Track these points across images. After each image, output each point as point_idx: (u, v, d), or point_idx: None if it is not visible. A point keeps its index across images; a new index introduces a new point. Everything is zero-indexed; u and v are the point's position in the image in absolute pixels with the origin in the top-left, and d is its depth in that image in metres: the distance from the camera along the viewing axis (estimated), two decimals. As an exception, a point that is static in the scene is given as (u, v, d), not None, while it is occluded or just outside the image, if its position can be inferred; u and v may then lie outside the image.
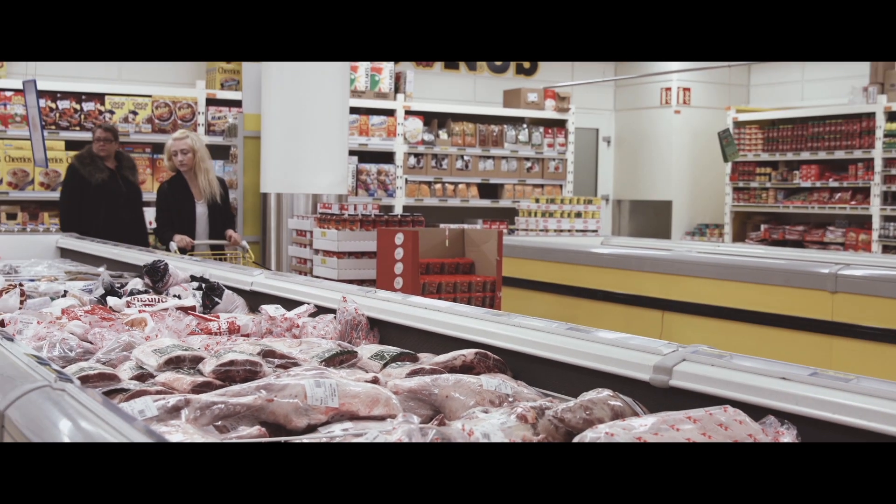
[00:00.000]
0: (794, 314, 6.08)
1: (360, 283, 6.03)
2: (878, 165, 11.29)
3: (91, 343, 3.06)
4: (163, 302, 3.78)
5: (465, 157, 11.88)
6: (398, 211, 11.05)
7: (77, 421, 1.72)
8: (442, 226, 6.88)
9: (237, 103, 9.92)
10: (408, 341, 3.25)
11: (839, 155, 11.79)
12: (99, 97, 9.83)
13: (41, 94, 8.29)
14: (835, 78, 13.02)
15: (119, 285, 4.23)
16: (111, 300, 3.82)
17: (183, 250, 7.29)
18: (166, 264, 4.30)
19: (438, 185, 11.75)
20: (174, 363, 2.65)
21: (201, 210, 7.73)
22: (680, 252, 7.49)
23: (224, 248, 7.78)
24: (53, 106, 9.67)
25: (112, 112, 9.78)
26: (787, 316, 6.11)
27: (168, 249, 7.24)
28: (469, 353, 2.81)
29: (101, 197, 8.19)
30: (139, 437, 1.60)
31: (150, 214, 8.70)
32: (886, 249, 11.21)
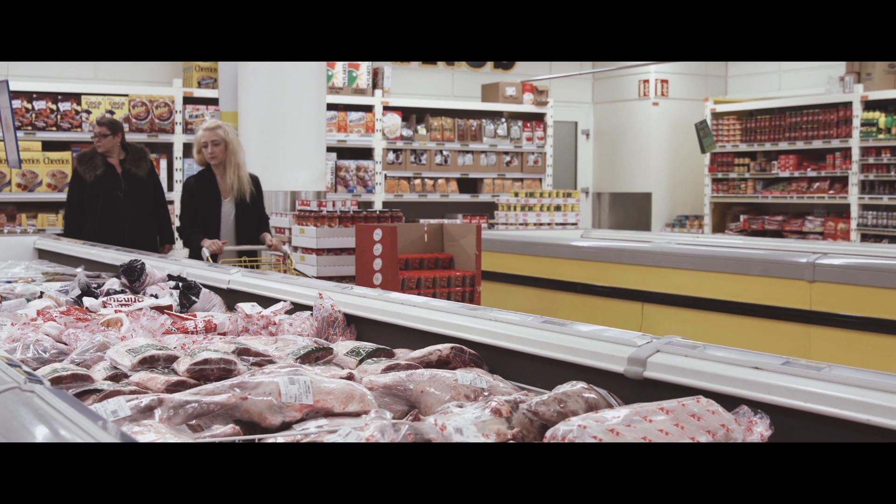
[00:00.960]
0: (772, 304, 6.10)
1: (340, 279, 6.03)
2: (856, 154, 11.34)
3: (65, 344, 3.05)
4: (139, 301, 3.77)
5: (444, 152, 11.88)
6: (378, 207, 11.04)
7: (45, 422, 1.71)
8: (421, 221, 6.88)
9: (214, 101, 9.89)
10: (385, 337, 3.24)
11: (817, 144, 11.83)
12: (75, 97, 9.79)
13: (16, 94, 8.25)
14: (812, 68, 13.06)
15: (96, 286, 4.22)
16: (87, 301, 3.81)
17: (215, 256, 6.58)
18: (143, 264, 4.29)
19: (418, 181, 11.75)
20: (148, 363, 2.64)
21: (228, 209, 7.02)
22: (659, 244, 7.51)
23: (258, 252, 7.02)
24: (29, 106, 9.63)
25: (89, 112, 9.74)
26: (766, 306, 6.13)
27: (200, 256, 6.53)
28: (445, 347, 2.81)
29: (97, 195, 7.89)
30: (106, 438, 1.59)
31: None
32: (865, 238, 11.26)
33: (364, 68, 11.06)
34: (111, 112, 9.77)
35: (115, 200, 7.89)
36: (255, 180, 7.10)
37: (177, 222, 8.13)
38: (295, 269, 6.46)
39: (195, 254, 6.68)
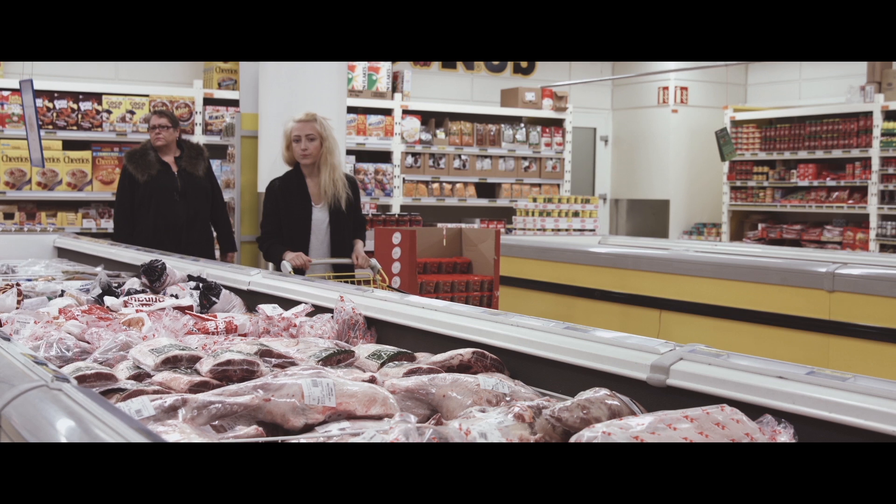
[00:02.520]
0: (791, 313, 6.08)
1: (359, 282, 6.04)
2: (876, 164, 11.30)
3: (88, 343, 3.06)
4: (160, 301, 3.78)
5: (463, 157, 11.88)
6: (396, 210, 11.05)
7: (74, 420, 1.72)
8: (439, 225, 6.90)
9: (234, 103, 9.91)
10: (405, 341, 3.25)
11: (836, 154, 11.79)
12: (96, 97, 9.82)
13: (38, 93, 8.26)
14: (832, 77, 13.02)
15: (116, 285, 4.23)
16: (108, 300, 3.82)
17: (299, 271, 5.81)
18: (163, 264, 4.30)
19: (436, 185, 11.75)
20: (171, 363, 2.64)
21: (320, 216, 6.09)
22: (677, 251, 7.49)
23: (351, 267, 6.13)
24: (51, 105, 9.66)
25: (109, 112, 9.77)
26: (785, 315, 6.12)
27: (279, 269, 5.80)
28: (466, 352, 2.81)
29: (150, 195, 7.30)
30: (136, 437, 1.60)
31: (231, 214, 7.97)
32: (884, 248, 11.22)
33: (384, 71, 11.07)
34: (132, 112, 9.79)
35: (171, 203, 7.33)
36: (351, 182, 6.19)
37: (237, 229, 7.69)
38: (390, 289, 5.70)
39: (277, 268, 5.91)
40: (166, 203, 7.31)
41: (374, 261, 5.93)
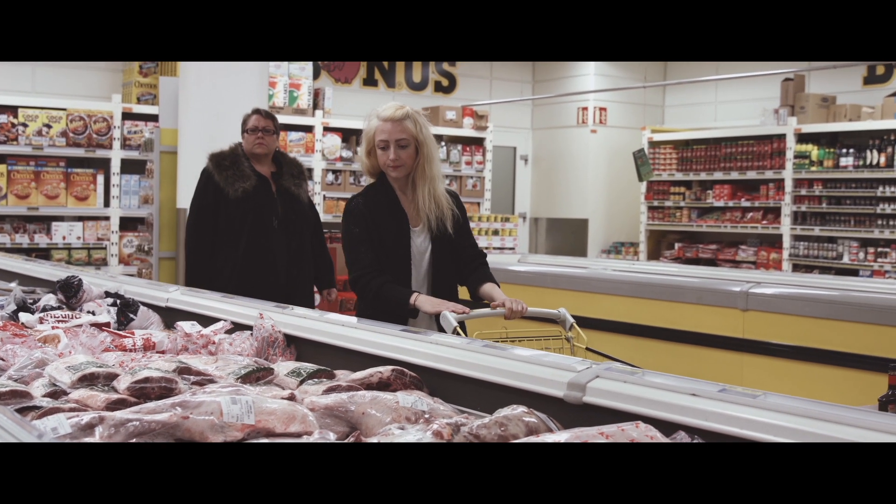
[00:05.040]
0: (706, 331, 6.18)
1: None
2: (789, 186, 11.52)
3: (2, 360, 3.02)
4: (76, 318, 3.73)
5: (384, 174, 11.87)
6: (316, 227, 11.01)
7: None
8: (360, 242, 6.87)
9: (154, 118, 9.82)
10: (325, 358, 3.25)
11: (751, 175, 12.00)
12: (12, 109, 9.67)
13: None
14: (747, 100, 13.26)
15: (32, 301, 4.17)
16: (23, 316, 3.77)
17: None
18: (80, 280, 4.25)
19: (357, 202, 11.75)
20: (88, 380, 2.62)
21: (421, 245, 4.42)
22: (595, 270, 7.57)
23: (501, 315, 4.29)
24: (-36, 118, 9.50)
25: (25, 125, 9.63)
26: (700, 333, 6.21)
27: (403, 320, 4.10)
28: (386, 369, 2.83)
29: (243, 217, 5.88)
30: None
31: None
32: (796, 268, 11.43)
33: (305, 88, 11.05)
34: (48, 126, 9.66)
35: (267, 230, 5.91)
36: (456, 200, 4.56)
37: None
38: (587, 350, 4.36)
39: (394, 316, 3.98)
40: (262, 230, 5.90)
41: (563, 310, 4.39)
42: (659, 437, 2.06)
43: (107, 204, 9.98)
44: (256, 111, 6.10)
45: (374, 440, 2.15)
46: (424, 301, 4.12)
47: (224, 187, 5.86)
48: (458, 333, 3.86)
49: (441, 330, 3.94)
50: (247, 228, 5.82)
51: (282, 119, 10.70)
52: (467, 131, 12.52)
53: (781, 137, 11.63)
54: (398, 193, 4.42)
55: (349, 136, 11.64)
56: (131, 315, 3.96)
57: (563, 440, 1.96)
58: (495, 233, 9.96)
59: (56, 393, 2.58)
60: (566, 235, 14.39)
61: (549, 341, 4.32)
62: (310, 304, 5.62)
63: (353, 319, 3.44)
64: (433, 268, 4.42)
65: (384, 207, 4.38)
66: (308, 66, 11.07)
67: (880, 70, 12.01)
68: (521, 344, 4.02)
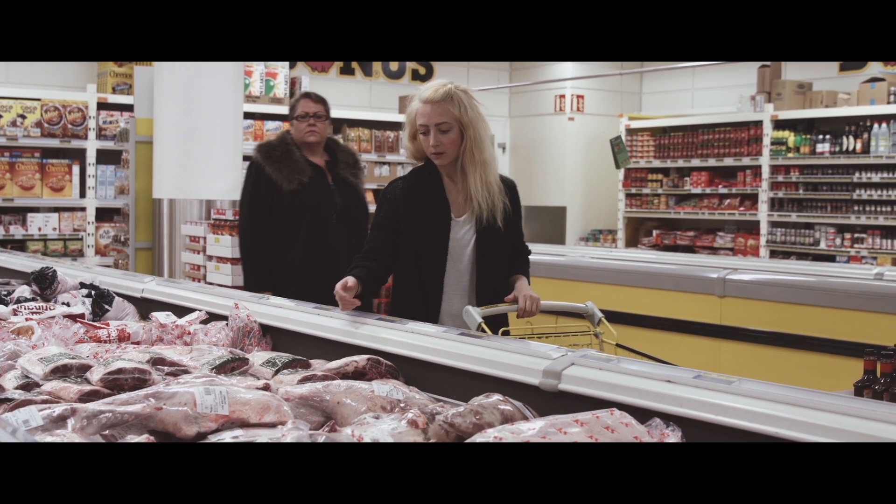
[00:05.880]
0: (684, 318, 6.20)
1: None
2: (766, 172, 11.55)
3: (-26, 352, 2.99)
4: (50, 310, 3.71)
5: (361, 164, 11.84)
6: (294, 217, 10.97)
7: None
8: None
9: (129, 107, 9.75)
10: (301, 348, 3.24)
11: (728, 162, 12.02)
12: (-15, 100, 9.61)
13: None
14: (724, 87, 13.28)
15: (6, 293, 4.15)
16: (-3, 308, 3.75)
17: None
18: (54, 271, 4.23)
19: (334, 191, 11.72)
20: (61, 372, 2.60)
21: (463, 236, 3.97)
22: (574, 258, 7.58)
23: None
24: (-62, 109, 9.42)
25: (0, 115, 9.55)
26: (678, 320, 6.23)
27: (412, 314, 3.61)
28: (361, 358, 2.82)
29: (300, 211, 5.33)
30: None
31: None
32: (773, 254, 11.46)
33: (282, 77, 11.00)
34: (22, 116, 9.59)
35: (326, 225, 5.35)
36: (510, 189, 4.10)
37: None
38: (620, 348, 4.12)
39: (405, 310, 3.74)
40: (320, 225, 5.34)
41: (591, 304, 4.11)
42: (634, 424, 2.06)
43: (83, 195, 9.91)
44: (306, 95, 5.54)
45: (348, 430, 2.14)
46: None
47: (277, 180, 5.33)
48: (482, 330, 3.65)
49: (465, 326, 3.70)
50: (304, 224, 5.28)
51: (258, 108, 10.71)
52: (445, 119, 12.47)
53: (758, 124, 11.65)
54: (445, 180, 4.01)
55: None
56: (106, 306, 3.94)
57: (537, 428, 1.96)
58: (473, 221, 9.95)
59: (28, 385, 2.57)
60: (544, 223, 14.39)
61: (576, 337, 4.03)
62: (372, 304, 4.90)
63: (329, 309, 3.43)
64: (477, 262, 3.96)
65: (424, 194, 3.98)
66: (284, 55, 11.01)
67: (856, 56, 12.03)
68: (546, 340, 3.79)
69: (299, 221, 5.31)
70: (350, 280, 3.43)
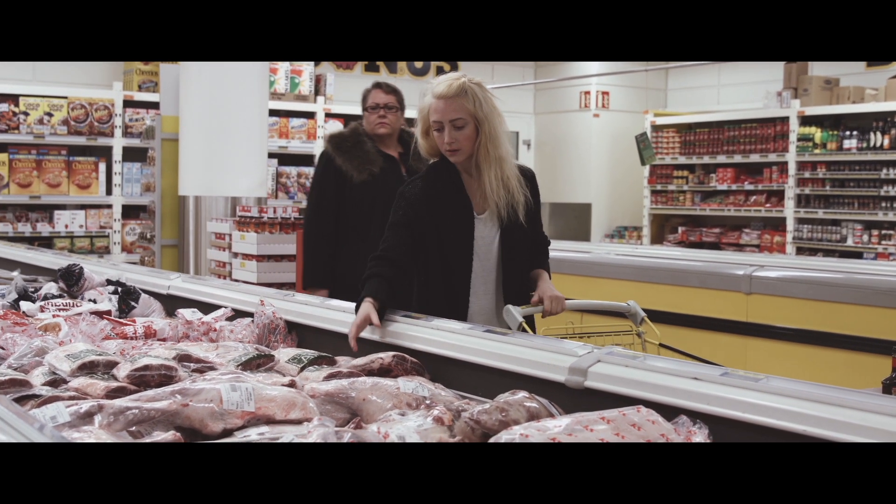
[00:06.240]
0: (710, 315, 6.17)
1: (280, 286, 6.00)
2: (792, 168, 11.49)
3: (3, 349, 3.01)
4: (77, 306, 3.73)
5: (386, 160, 11.86)
6: (319, 214, 10.98)
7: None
8: (362, 229, 6.85)
9: (155, 105, 9.80)
10: (326, 344, 3.24)
11: (754, 158, 11.96)
12: (13, 98, 9.65)
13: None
14: (750, 83, 13.22)
15: (33, 290, 4.17)
16: (24, 305, 3.77)
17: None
18: (81, 268, 4.25)
19: (359, 188, 11.73)
20: (88, 368, 2.61)
21: (487, 234, 3.82)
22: (599, 254, 7.56)
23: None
24: (-35, 107, 9.48)
25: (27, 113, 9.60)
26: (704, 317, 6.20)
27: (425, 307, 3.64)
28: (387, 355, 2.82)
29: (371, 204, 5.11)
30: (41, 439, 1.58)
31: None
32: (800, 251, 11.41)
33: (307, 74, 11.02)
34: (49, 114, 9.64)
35: None
36: (529, 179, 3.97)
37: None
38: (661, 346, 3.98)
39: (431, 311, 3.47)
40: None
41: (633, 303, 4.03)
42: (661, 422, 2.05)
43: (109, 192, 9.96)
44: (377, 85, 5.39)
45: (374, 427, 2.14)
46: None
47: (347, 171, 5.20)
48: (523, 329, 3.60)
49: (504, 325, 3.62)
50: (376, 217, 4.88)
51: (283, 105, 10.73)
52: (469, 116, 12.48)
53: (785, 120, 11.59)
54: (464, 176, 3.83)
55: (351, 122, 11.63)
56: (132, 303, 3.96)
57: (563, 425, 1.95)
58: (498, 218, 9.93)
59: (56, 381, 2.58)
60: (569, 220, 14.36)
61: (618, 336, 3.92)
62: None
63: (354, 305, 3.43)
64: (503, 259, 3.83)
65: (446, 193, 3.79)
66: (309, 53, 11.04)
67: (884, 52, 11.96)
68: (587, 340, 3.73)
69: (370, 214, 5.10)
70: (374, 317, 3.20)
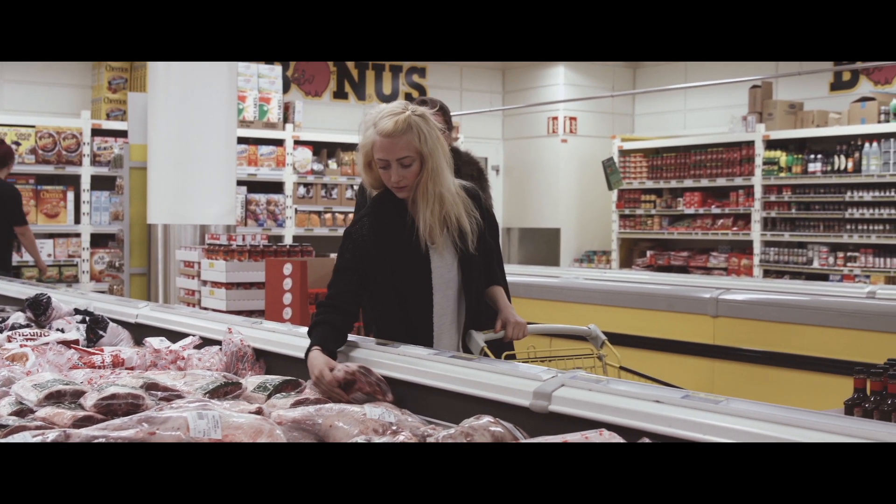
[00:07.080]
0: (677, 338, 6.22)
1: (250, 314, 6.01)
2: (758, 192, 11.59)
3: (-31, 379, 3.01)
4: (45, 336, 3.73)
5: (355, 187, 11.88)
6: (288, 241, 11.00)
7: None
8: (332, 255, 6.88)
9: (123, 133, 9.79)
10: (294, 371, 3.25)
11: (721, 182, 12.06)
12: (-21, 127, 9.63)
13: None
14: (715, 107, 13.33)
15: (0, 319, 4.16)
16: (-9, 335, 3.76)
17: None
18: (49, 297, 4.24)
19: (328, 215, 11.74)
20: (55, 398, 2.62)
21: (441, 263, 3.64)
22: (568, 279, 7.60)
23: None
24: (-68, 137, 9.44)
25: (-6, 143, 9.57)
26: (671, 340, 6.25)
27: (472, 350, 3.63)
28: (352, 365, 2.88)
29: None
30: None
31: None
32: (767, 274, 11.49)
33: (275, 102, 11.05)
34: (17, 143, 9.60)
35: None
36: (474, 197, 3.79)
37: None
38: (621, 369, 3.99)
39: (411, 339, 3.46)
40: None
41: (594, 327, 4.05)
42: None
43: (77, 221, 9.93)
44: (420, 100, 4.92)
45: (340, 452, 2.15)
46: (310, 361, 3.14)
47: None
48: (485, 354, 3.57)
49: (466, 350, 3.59)
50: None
51: (252, 133, 10.74)
52: (438, 142, 12.52)
53: (750, 144, 11.70)
54: (410, 206, 3.63)
55: (320, 150, 11.65)
56: (101, 332, 3.96)
57: (527, 449, 1.98)
58: (467, 243, 9.96)
59: (23, 411, 2.58)
60: (538, 245, 14.42)
61: (580, 360, 3.92)
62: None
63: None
64: (465, 291, 3.68)
65: (394, 228, 3.60)
66: (278, 80, 11.08)
67: (846, 76, 12.11)
68: (549, 364, 3.70)
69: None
70: (330, 361, 3.06)
